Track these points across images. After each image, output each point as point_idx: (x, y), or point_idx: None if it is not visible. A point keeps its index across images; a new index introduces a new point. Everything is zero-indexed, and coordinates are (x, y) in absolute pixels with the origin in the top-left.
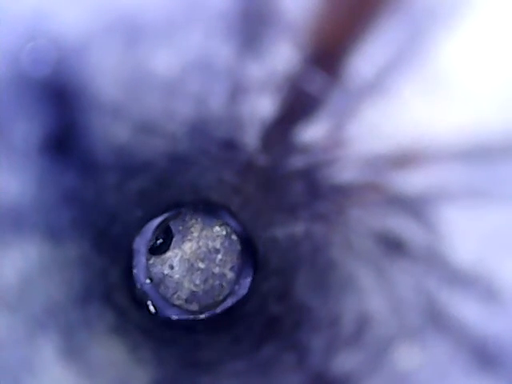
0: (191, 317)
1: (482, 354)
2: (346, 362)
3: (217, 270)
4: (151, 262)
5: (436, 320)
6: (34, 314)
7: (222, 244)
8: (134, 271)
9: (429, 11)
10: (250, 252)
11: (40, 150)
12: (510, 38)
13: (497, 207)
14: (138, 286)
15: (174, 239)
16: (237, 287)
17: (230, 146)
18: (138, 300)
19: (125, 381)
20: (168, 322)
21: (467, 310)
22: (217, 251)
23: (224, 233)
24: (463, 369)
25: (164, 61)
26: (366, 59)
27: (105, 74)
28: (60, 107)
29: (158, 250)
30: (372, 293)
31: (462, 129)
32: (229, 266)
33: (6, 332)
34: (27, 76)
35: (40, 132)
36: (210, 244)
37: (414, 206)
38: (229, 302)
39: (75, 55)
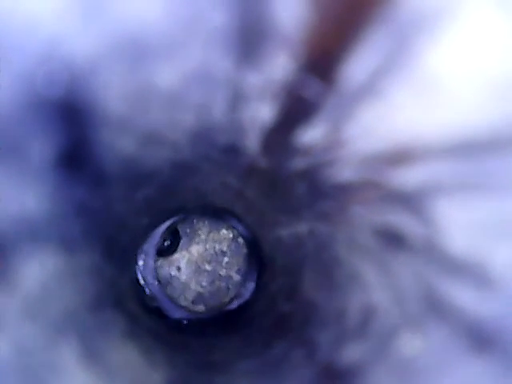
0: (201, 318)
1: (478, 337)
2: (352, 352)
3: (223, 272)
4: (159, 263)
5: (435, 308)
6: (53, 322)
7: (228, 247)
8: (142, 273)
9: (414, 22)
10: (256, 254)
11: (54, 165)
12: (489, 44)
13: (486, 198)
14: (147, 290)
15: (181, 241)
16: (243, 289)
17: (232, 151)
18: (148, 305)
19: (141, 382)
20: (179, 326)
21: (464, 297)
22: (223, 254)
23: (231, 235)
24: (461, 352)
25: (167, 75)
26: (358, 66)
27: (112, 92)
28: (72, 125)
29: (165, 251)
30: (375, 286)
31: (450, 127)
32: (235, 268)
33: (31, 339)
34: (42, 97)
35: (54, 149)
36: (217, 246)
37: (412, 201)
38: (236, 304)
39: (85, 76)
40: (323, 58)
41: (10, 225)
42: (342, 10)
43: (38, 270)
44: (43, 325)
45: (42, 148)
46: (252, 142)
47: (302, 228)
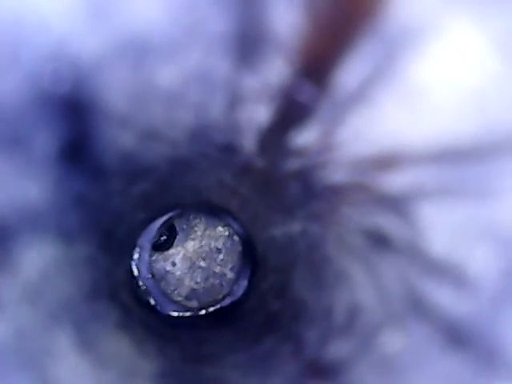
0: (193, 313)
1: (455, 335)
2: (338, 349)
3: (217, 269)
4: (154, 258)
5: (416, 306)
6: (50, 309)
7: (224, 244)
8: (137, 267)
9: (402, 35)
10: (250, 253)
11: (56, 158)
12: (469, 58)
13: (466, 204)
14: (141, 283)
15: (177, 237)
16: (236, 287)
17: (229, 149)
18: (141, 298)
19: (132, 372)
20: (170, 319)
21: (442, 296)
22: (218, 251)
23: (226, 233)
24: (439, 349)
25: (167, 76)
26: (350, 73)
27: (114, 90)
28: (75, 120)
29: (161, 246)
30: (362, 285)
31: (434, 135)
32: (229, 265)
33: (29, 323)
34: (48, 93)
35: (57, 142)
36: (213, 244)
37: (397, 204)
38: (228, 301)
39: (89, 74)
40: (317, 64)
41: (13, 212)
42: (335, 19)
43: (37, 258)
44: (40, 311)
45: (45, 141)
46: (248, 142)
47: (295, 227)
